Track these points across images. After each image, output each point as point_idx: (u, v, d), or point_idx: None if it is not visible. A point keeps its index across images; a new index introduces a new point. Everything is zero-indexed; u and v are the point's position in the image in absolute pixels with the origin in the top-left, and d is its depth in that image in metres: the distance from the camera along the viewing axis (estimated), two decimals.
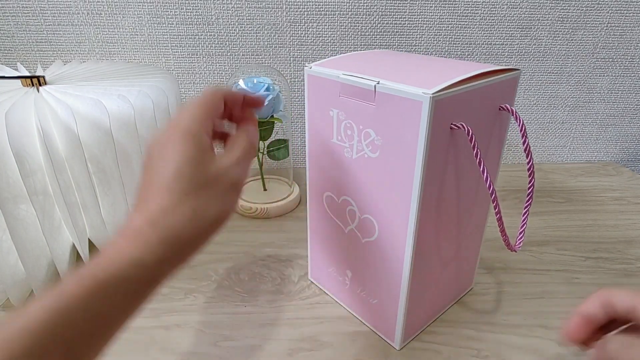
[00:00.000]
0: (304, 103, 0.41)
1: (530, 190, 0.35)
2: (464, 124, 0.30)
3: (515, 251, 0.37)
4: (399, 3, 0.69)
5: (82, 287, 0.21)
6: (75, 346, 0.21)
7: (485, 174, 0.31)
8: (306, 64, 0.37)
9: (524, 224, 0.37)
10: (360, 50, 0.72)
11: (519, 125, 0.34)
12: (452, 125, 0.31)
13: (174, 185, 0.24)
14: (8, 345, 0.19)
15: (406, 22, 0.70)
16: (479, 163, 0.31)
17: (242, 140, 0.29)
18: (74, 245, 0.48)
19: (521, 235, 0.37)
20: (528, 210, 0.36)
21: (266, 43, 0.70)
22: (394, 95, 0.30)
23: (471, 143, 0.31)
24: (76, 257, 0.50)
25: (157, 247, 0.23)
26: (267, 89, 0.56)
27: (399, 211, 0.34)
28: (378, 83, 0.31)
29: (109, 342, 0.23)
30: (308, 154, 0.41)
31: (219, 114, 0.29)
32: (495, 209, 0.33)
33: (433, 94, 0.28)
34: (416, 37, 0.71)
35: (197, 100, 0.28)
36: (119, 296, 0.22)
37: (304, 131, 0.41)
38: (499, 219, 0.33)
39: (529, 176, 0.34)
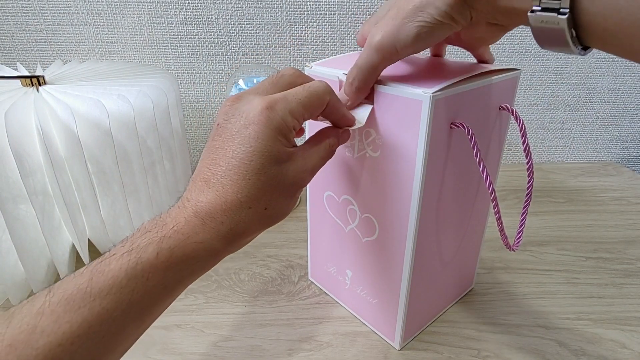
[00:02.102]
0: None
1: (529, 190, 0.35)
2: (463, 124, 0.30)
3: (514, 251, 0.37)
4: None
5: (159, 260, 0.23)
6: (145, 311, 0.23)
7: (485, 174, 0.31)
8: (307, 64, 0.37)
9: (522, 224, 0.37)
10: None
11: (519, 125, 0.34)
12: (452, 125, 0.31)
13: (253, 182, 0.24)
14: (93, 304, 0.21)
15: None
16: (479, 162, 0.31)
17: (323, 149, 0.29)
18: (73, 246, 0.48)
19: (519, 235, 0.37)
20: (527, 210, 0.36)
21: (266, 43, 0.70)
22: (394, 94, 0.30)
23: (471, 142, 0.31)
24: (76, 257, 0.50)
25: (226, 236, 0.25)
26: None
27: (399, 210, 0.33)
28: (378, 82, 0.31)
29: (163, 311, 0.25)
30: None
31: (315, 115, 0.28)
32: (494, 208, 0.33)
33: (433, 93, 0.28)
34: None
35: (305, 93, 0.27)
36: (187, 272, 0.24)
37: (305, 131, 0.41)
38: (498, 219, 0.33)
39: (528, 177, 0.34)
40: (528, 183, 0.35)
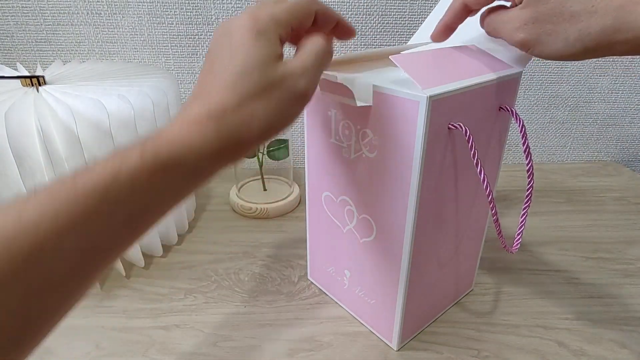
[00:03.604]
0: None
1: (528, 192, 0.35)
2: (461, 124, 0.30)
3: (513, 253, 0.37)
4: (399, 3, 0.69)
5: (144, 161, 0.22)
6: (134, 215, 0.22)
7: (482, 175, 0.31)
8: None
9: (521, 226, 0.37)
10: (360, 50, 0.71)
11: (519, 126, 0.34)
12: (450, 126, 0.31)
13: (237, 85, 0.24)
14: (78, 200, 0.20)
15: (406, 22, 0.70)
16: (476, 164, 0.31)
17: (314, 45, 0.27)
18: None
19: (519, 237, 0.37)
20: (526, 212, 0.36)
21: None
22: (392, 95, 0.30)
23: (469, 144, 0.31)
24: None
25: (213, 141, 0.24)
26: None
27: (396, 211, 0.33)
28: (375, 83, 0.31)
29: (158, 221, 0.24)
30: (307, 154, 0.41)
31: (303, 25, 0.27)
32: (491, 211, 0.32)
33: (430, 94, 0.28)
34: None
35: (288, 2, 0.26)
36: (175, 178, 0.23)
37: (304, 131, 0.41)
38: (496, 221, 0.33)
39: (528, 178, 0.34)
40: (528, 185, 0.35)
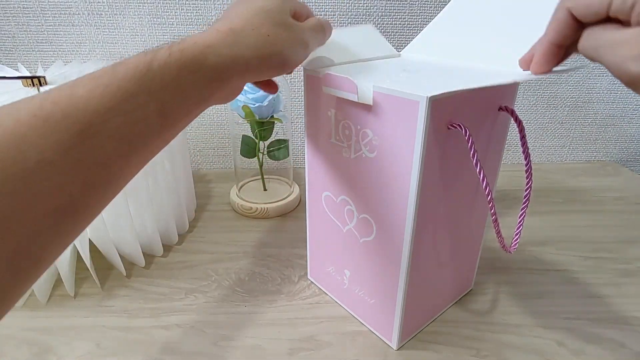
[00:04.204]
0: (303, 103, 0.41)
1: (527, 193, 0.35)
2: (461, 124, 0.31)
3: (510, 252, 0.37)
4: (399, 3, 0.69)
5: (172, 58, 0.25)
6: (166, 106, 0.25)
7: (481, 175, 0.31)
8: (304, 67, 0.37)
9: (519, 227, 0.37)
10: None
11: (518, 127, 0.34)
12: (449, 126, 0.31)
13: (257, 16, 0.30)
14: (120, 84, 0.23)
15: (406, 22, 0.70)
16: (476, 164, 0.31)
17: (314, 20, 0.34)
18: (74, 246, 0.49)
19: (517, 237, 0.37)
20: (524, 212, 0.36)
21: None
22: (391, 95, 0.30)
23: (468, 144, 0.31)
24: (77, 257, 0.50)
25: (233, 47, 0.28)
26: None
27: (396, 211, 0.34)
28: (374, 84, 0.31)
29: (187, 118, 0.27)
30: (307, 154, 0.42)
31: (304, 14, 0.34)
32: (490, 210, 0.33)
33: (430, 94, 0.28)
34: None
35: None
36: (198, 76, 0.26)
37: (304, 131, 0.41)
38: (495, 221, 0.34)
39: (527, 179, 0.35)
40: (526, 185, 0.35)
